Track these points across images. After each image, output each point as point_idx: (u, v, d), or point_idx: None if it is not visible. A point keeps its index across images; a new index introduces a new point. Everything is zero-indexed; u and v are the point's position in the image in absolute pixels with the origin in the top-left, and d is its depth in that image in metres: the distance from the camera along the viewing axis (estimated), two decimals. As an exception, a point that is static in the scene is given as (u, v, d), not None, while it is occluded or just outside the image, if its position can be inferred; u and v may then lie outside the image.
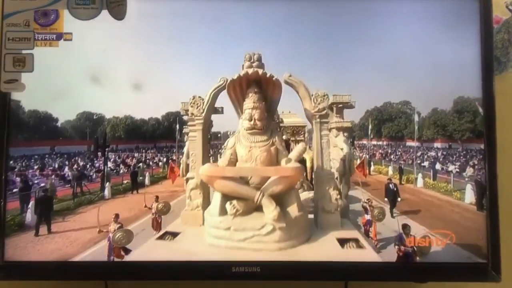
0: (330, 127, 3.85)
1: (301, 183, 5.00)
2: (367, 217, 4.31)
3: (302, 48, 4.05)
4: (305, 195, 4.83)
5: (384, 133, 8.04)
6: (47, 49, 2.70)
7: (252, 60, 3.23)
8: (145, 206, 4.48)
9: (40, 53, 2.67)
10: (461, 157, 6.60)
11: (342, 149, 4.18)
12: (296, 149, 3.71)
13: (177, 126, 6.95)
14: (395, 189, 5.03)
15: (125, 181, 6.00)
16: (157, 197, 4.46)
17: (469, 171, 5.76)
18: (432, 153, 7.12)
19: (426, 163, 6.69)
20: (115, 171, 6.36)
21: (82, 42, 2.81)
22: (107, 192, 5.33)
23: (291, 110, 6.48)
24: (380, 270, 2.66)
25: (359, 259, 2.81)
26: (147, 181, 6.26)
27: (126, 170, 6.65)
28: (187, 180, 3.87)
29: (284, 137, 5.61)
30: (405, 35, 3.54)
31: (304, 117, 4.16)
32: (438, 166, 6.32)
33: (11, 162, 6.69)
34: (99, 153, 5.75)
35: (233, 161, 3.25)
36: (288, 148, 5.42)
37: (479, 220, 4.70)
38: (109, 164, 6.63)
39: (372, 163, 7.02)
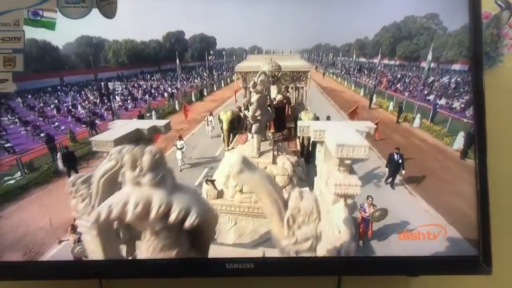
0: (327, 184, 2.79)
1: (289, 177, 4.17)
2: (365, 215, 4.03)
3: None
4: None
5: (398, 53, 7.24)
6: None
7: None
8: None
9: None
10: (474, 87, 6.22)
11: (339, 231, 2.73)
12: None
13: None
14: (400, 161, 4.69)
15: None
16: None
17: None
18: (445, 79, 6.63)
19: (431, 97, 6.37)
20: (123, 107, 6.71)
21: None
22: (119, 135, 5.89)
23: (291, 50, 5.51)
24: (373, 264, 2.69)
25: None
26: (154, 118, 6.54)
27: (134, 105, 6.99)
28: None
29: (279, 96, 4.88)
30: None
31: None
32: (443, 101, 6.06)
33: (29, 96, 7.28)
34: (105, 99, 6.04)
35: None
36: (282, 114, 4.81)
37: (457, 170, 5.24)
38: (117, 99, 6.96)
39: (375, 95, 6.73)
